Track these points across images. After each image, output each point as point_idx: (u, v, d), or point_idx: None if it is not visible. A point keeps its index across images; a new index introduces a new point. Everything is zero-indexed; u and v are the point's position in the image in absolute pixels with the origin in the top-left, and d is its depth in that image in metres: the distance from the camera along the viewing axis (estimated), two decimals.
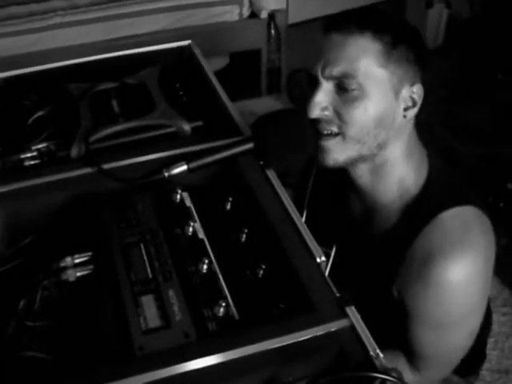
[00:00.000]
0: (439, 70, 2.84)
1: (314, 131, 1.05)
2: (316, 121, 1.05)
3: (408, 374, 1.12)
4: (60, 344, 0.81)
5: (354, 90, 1.02)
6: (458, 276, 1.02)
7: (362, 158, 1.08)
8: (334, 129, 1.05)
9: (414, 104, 1.07)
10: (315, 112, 1.04)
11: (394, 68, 1.02)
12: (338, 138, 1.05)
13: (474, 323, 1.10)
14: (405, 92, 1.05)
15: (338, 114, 1.04)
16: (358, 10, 1.09)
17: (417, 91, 1.06)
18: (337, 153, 1.07)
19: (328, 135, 1.06)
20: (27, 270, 0.91)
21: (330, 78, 1.04)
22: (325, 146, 1.06)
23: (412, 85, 1.05)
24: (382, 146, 1.07)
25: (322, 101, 1.04)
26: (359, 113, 1.03)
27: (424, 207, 1.08)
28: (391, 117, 1.05)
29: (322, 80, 1.04)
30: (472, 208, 1.07)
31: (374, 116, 1.03)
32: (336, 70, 1.02)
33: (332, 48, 1.03)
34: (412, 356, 1.11)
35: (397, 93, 1.04)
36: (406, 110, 1.06)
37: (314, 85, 1.06)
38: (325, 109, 1.05)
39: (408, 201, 1.11)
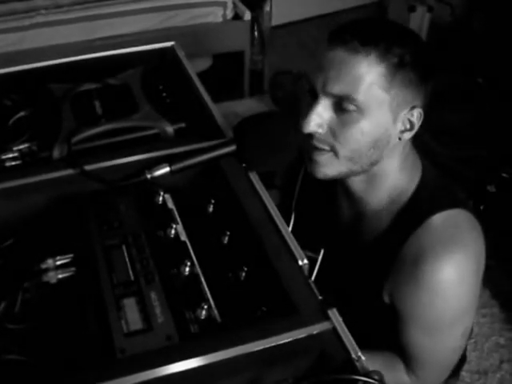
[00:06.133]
0: None
1: (306, 144, 1.04)
2: (309, 135, 1.03)
3: (405, 377, 1.12)
4: (41, 347, 0.80)
5: (352, 111, 0.99)
6: (450, 276, 1.02)
7: (353, 174, 1.08)
8: (326, 147, 1.03)
9: (412, 127, 1.04)
10: (310, 128, 1.01)
11: (396, 91, 0.99)
12: (331, 154, 1.03)
13: (467, 323, 1.11)
14: (403, 115, 1.02)
15: (333, 132, 1.01)
16: (364, 23, 1.04)
17: (416, 115, 1.03)
18: (328, 168, 1.05)
19: (320, 150, 1.04)
20: (8, 271, 0.90)
21: (330, 96, 1.00)
22: (317, 159, 1.05)
23: (412, 108, 1.02)
24: (374, 164, 1.06)
25: (319, 117, 1.01)
26: (355, 135, 1.00)
27: (415, 211, 1.08)
28: (386, 139, 1.03)
29: (321, 95, 1.01)
30: (462, 211, 1.07)
31: (370, 138, 1.01)
32: (336, 89, 0.99)
33: (335, 64, 0.99)
34: (407, 359, 1.11)
35: (395, 116, 1.01)
36: (402, 132, 1.04)
37: (313, 97, 1.03)
38: (320, 126, 1.01)
39: (399, 205, 1.10)
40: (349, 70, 0.98)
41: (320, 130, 1.02)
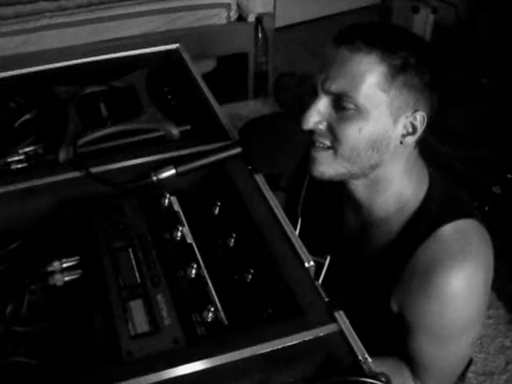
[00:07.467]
0: None
1: (307, 140, 1.05)
2: (310, 132, 1.04)
3: None
4: (47, 349, 0.80)
5: (350, 109, 0.99)
6: (460, 287, 1.02)
7: (352, 176, 1.07)
8: (327, 142, 1.03)
9: (414, 131, 1.03)
10: (309, 124, 1.02)
11: (395, 93, 0.99)
12: (330, 152, 1.04)
13: (475, 333, 1.11)
14: (405, 118, 1.02)
15: (331, 129, 1.02)
16: (371, 25, 1.06)
17: (419, 119, 1.02)
18: (325, 166, 1.05)
19: (320, 147, 1.05)
20: (15, 274, 0.90)
21: (329, 93, 1.01)
22: (315, 156, 1.05)
23: (414, 112, 1.01)
24: (374, 167, 1.06)
25: (318, 114, 1.02)
26: (353, 132, 1.00)
27: (424, 221, 1.07)
28: (386, 141, 1.02)
29: (320, 93, 1.02)
30: (471, 221, 1.07)
31: (368, 138, 1.01)
32: (335, 87, 0.99)
33: (336, 62, 1.00)
34: (414, 367, 1.11)
35: (396, 118, 1.01)
36: (404, 136, 1.03)
37: (314, 94, 1.04)
38: (319, 122, 1.03)
39: (407, 215, 1.10)
40: (349, 67, 0.98)
41: (320, 126, 1.03)
